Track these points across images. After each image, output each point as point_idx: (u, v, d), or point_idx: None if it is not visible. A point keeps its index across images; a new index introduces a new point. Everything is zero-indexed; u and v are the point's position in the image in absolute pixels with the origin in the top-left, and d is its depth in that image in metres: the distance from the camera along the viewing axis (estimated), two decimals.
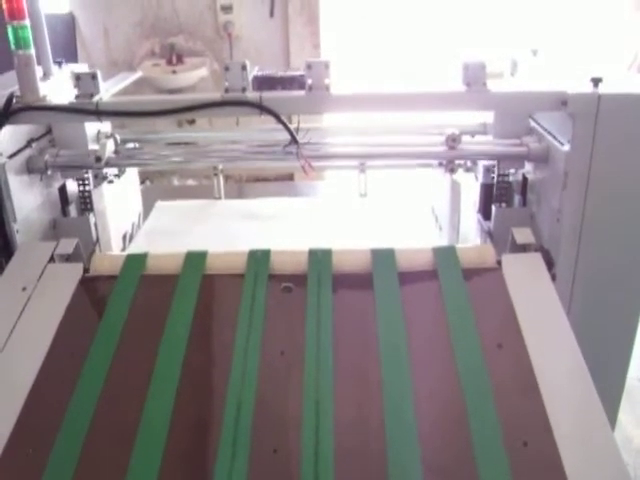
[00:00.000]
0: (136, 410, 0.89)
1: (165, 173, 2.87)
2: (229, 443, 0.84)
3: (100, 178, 1.43)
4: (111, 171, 1.45)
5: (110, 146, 1.38)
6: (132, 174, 1.65)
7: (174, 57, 3.47)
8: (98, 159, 1.32)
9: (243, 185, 2.43)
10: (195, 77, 3.41)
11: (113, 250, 1.48)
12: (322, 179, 2.55)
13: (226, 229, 1.63)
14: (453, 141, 1.31)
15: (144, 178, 2.06)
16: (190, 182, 2.95)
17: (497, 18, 3.47)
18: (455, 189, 1.43)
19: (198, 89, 3.40)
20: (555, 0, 3.37)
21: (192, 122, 2.99)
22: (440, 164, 1.42)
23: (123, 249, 1.55)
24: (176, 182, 2.89)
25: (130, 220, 1.64)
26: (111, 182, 1.45)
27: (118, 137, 1.45)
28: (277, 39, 3.42)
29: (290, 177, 2.81)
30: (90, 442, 0.86)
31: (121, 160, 1.42)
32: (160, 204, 1.82)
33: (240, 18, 3.38)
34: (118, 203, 1.53)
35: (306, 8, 3.34)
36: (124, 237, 1.57)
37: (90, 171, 1.42)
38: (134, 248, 1.58)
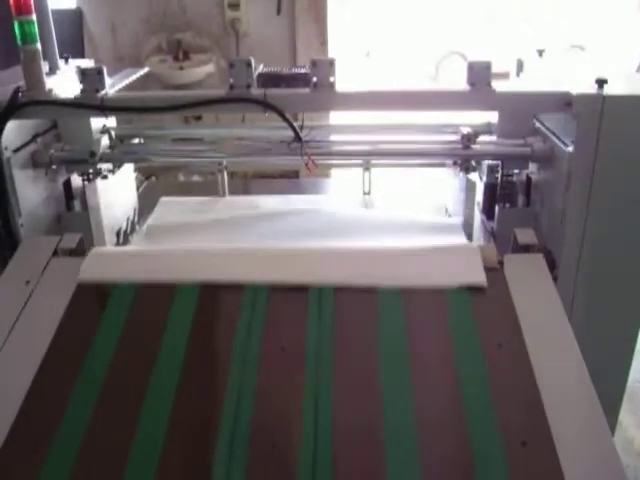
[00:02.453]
0: (137, 404, 0.90)
1: (170, 169, 2.88)
2: (228, 438, 0.85)
3: (95, 173, 1.42)
4: (105, 166, 1.45)
5: (105, 141, 1.38)
6: (128, 170, 1.65)
7: (181, 53, 3.47)
8: (92, 154, 1.33)
9: (248, 182, 2.43)
10: (202, 73, 3.41)
11: (106, 246, 1.48)
12: (328, 177, 2.55)
13: (230, 226, 1.64)
14: (468, 140, 1.31)
15: (149, 174, 2.06)
16: (195, 178, 2.95)
17: (505, 19, 3.47)
18: (470, 188, 1.43)
19: (205, 85, 3.41)
20: (566, 1, 3.36)
21: (198, 118, 2.99)
22: (455, 163, 1.42)
23: (117, 244, 1.56)
24: (181, 178, 2.89)
25: (125, 216, 1.65)
26: (105, 177, 1.45)
27: (113, 132, 1.45)
28: (284, 37, 3.42)
29: (295, 174, 2.81)
30: (91, 432, 0.86)
31: (117, 155, 1.43)
32: (164, 200, 1.82)
33: (247, 15, 3.38)
34: (113, 199, 1.53)
35: (313, 6, 3.34)
36: (118, 233, 1.58)
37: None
38: (135, 244, 1.59)
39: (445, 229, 1.55)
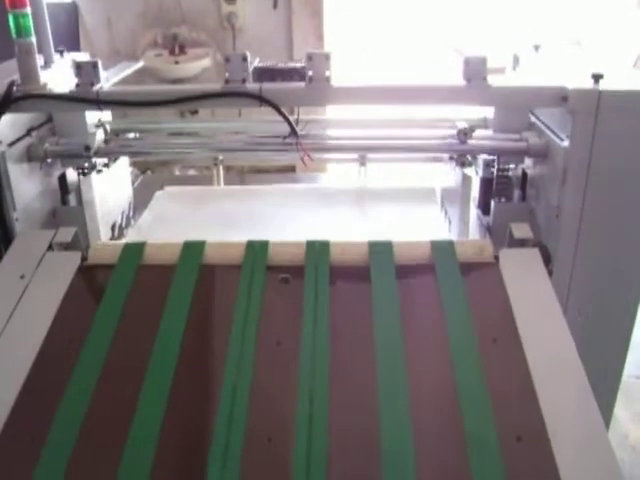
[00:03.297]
0: (132, 397, 0.89)
1: (166, 163, 2.87)
2: (223, 431, 0.84)
3: (91, 167, 1.42)
4: (100, 161, 1.45)
5: (100, 135, 1.38)
6: (123, 164, 1.65)
7: (177, 47, 3.46)
8: (87, 148, 1.33)
9: (244, 176, 2.43)
10: (198, 68, 3.41)
11: (101, 240, 1.48)
12: (324, 171, 2.55)
13: (228, 215, 1.64)
14: (464, 135, 1.31)
15: (144, 168, 2.06)
16: (191, 172, 2.95)
17: (501, 13, 3.47)
18: (466, 183, 1.43)
19: (201, 80, 3.40)
20: None
21: (194, 112, 2.99)
22: (451, 158, 1.43)
23: (112, 238, 1.56)
24: (177, 172, 2.89)
25: (120, 210, 1.64)
26: (100, 172, 1.45)
27: (108, 126, 1.45)
28: (280, 31, 3.42)
29: (292, 169, 2.81)
30: (87, 427, 0.86)
31: (112, 149, 1.43)
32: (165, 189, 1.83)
33: (244, 9, 3.38)
34: (108, 193, 1.53)
35: (310, 1, 3.33)
36: (113, 227, 1.57)
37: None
38: (136, 232, 1.60)
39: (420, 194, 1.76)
